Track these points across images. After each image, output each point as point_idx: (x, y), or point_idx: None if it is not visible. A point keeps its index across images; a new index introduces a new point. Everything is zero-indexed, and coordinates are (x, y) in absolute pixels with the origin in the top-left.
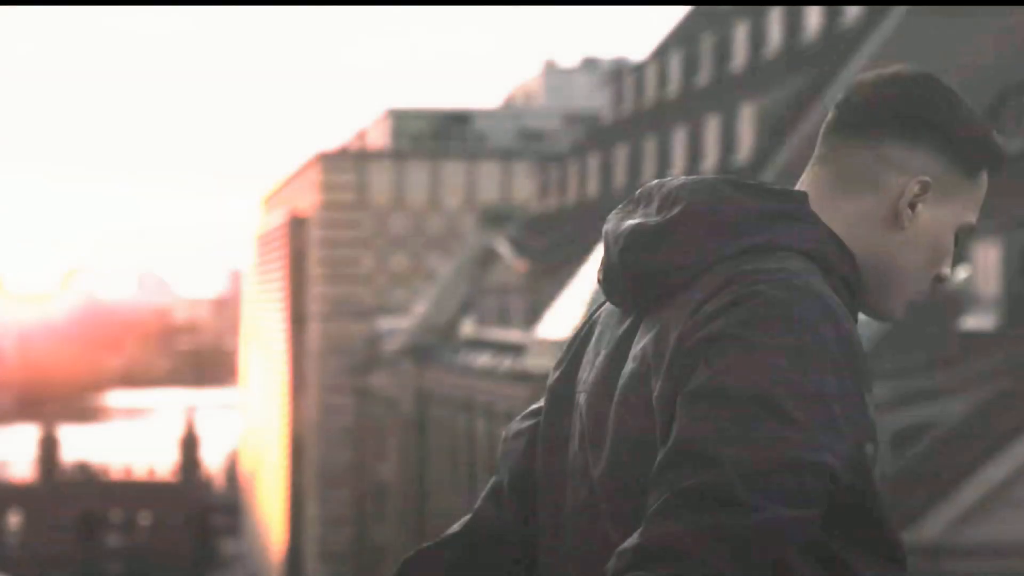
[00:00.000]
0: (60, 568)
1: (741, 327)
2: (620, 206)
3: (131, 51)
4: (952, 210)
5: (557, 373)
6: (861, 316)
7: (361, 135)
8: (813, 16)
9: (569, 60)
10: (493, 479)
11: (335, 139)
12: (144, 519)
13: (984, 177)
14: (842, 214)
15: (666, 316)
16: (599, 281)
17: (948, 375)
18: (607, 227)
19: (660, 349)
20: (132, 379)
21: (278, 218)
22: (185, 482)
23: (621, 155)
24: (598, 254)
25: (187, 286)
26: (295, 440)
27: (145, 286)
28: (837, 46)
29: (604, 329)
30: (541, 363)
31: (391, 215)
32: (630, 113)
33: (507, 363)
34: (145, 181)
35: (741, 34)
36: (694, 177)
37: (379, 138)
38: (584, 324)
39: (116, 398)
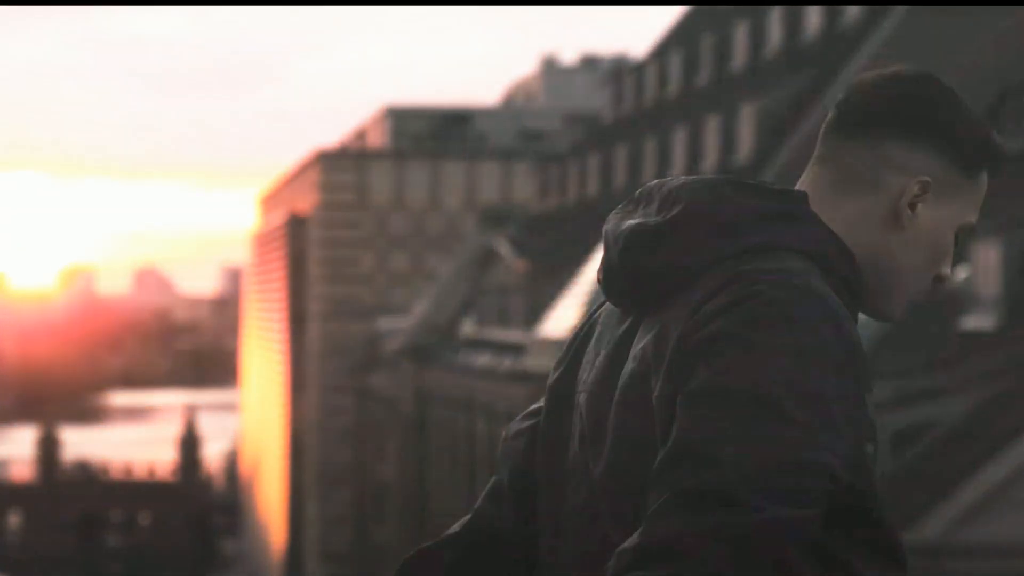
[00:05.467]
0: (60, 568)
1: (741, 327)
2: (620, 206)
3: (130, 51)
4: (952, 210)
5: (557, 373)
6: (861, 316)
7: (360, 134)
8: (813, 16)
9: (568, 59)
10: (493, 479)
11: (334, 138)
12: (144, 519)
13: (984, 177)
14: (842, 214)
15: (666, 316)
16: (599, 281)
17: (948, 375)
18: (607, 227)
19: (660, 349)
20: (132, 379)
21: (277, 218)
22: (185, 482)
23: (621, 155)
24: (598, 254)
25: (187, 286)
26: (295, 440)
27: (145, 285)
28: (837, 46)
29: (604, 329)
30: (541, 363)
31: (391, 215)
32: (630, 113)
33: (507, 363)
34: (145, 180)
35: (741, 34)
36: (694, 177)
37: (379, 138)
38: (584, 324)
39: (116, 398)
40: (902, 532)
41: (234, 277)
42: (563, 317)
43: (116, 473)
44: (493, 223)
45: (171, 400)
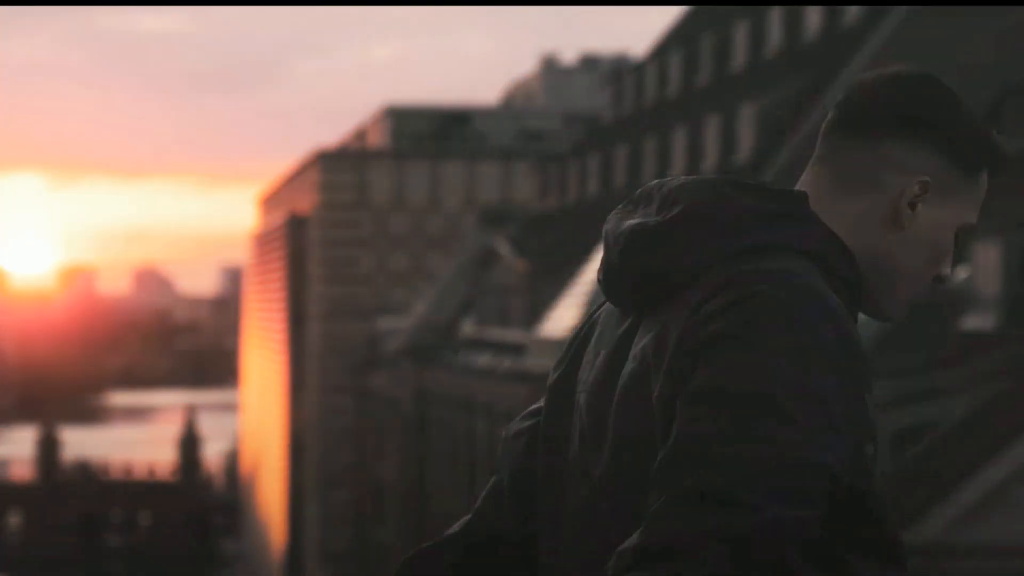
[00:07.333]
0: (60, 568)
1: (741, 327)
2: (620, 206)
3: (131, 51)
4: (952, 210)
5: (557, 373)
6: (861, 316)
7: (361, 135)
8: (813, 16)
9: (568, 59)
10: (493, 479)
11: (334, 138)
12: (144, 519)
13: (984, 177)
14: (842, 214)
15: (666, 316)
16: (599, 281)
17: (948, 375)
18: (607, 227)
19: (660, 349)
20: (132, 379)
21: (278, 218)
22: (185, 482)
23: (621, 155)
24: (598, 254)
25: (187, 286)
26: (295, 440)
27: (145, 286)
28: (837, 46)
29: (604, 329)
30: (541, 363)
31: (391, 215)
32: (630, 113)
33: (507, 363)
34: (145, 181)
35: (741, 34)
36: (694, 177)
37: (379, 138)
38: (584, 324)
39: (116, 398)
40: (902, 532)
41: (234, 277)
42: (563, 317)
43: (116, 473)
44: (493, 223)
45: (171, 400)
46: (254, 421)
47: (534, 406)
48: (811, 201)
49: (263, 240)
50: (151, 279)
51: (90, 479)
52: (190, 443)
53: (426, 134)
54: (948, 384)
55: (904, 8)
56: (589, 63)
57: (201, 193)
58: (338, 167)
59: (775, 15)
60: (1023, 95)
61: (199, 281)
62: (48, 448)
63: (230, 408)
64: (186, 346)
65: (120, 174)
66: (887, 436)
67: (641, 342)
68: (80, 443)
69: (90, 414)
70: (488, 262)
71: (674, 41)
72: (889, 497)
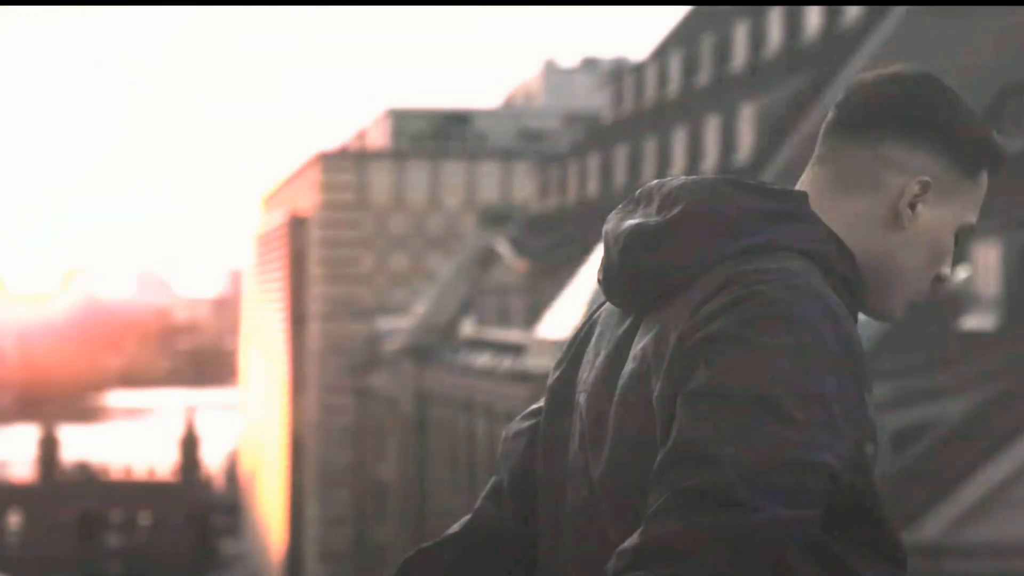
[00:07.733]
0: (60, 568)
1: (741, 327)
2: (620, 206)
3: (131, 50)
4: (952, 210)
5: (557, 373)
6: (861, 316)
7: (361, 135)
8: (813, 16)
9: (569, 60)
10: (493, 479)
11: (335, 139)
12: (144, 519)
13: (984, 177)
14: (842, 214)
15: (666, 316)
16: (599, 281)
17: (948, 375)
18: (607, 227)
19: (660, 349)
20: (132, 379)
21: (278, 218)
22: (185, 482)
23: (621, 155)
24: (598, 254)
25: (187, 286)
26: (295, 440)
27: (145, 286)
28: (837, 46)
29: (604, 329)
30: (541, 363)
31: (391, 215)
32: (630, 113)
33: (507, 363)
34: (145, 181)
35: (741, 34)
36: (694, 177)
37: (379, 138)
38: (584, 324)
39: (116, 398)
40: (902, 532)
41: (234, 277)
42: (563, 317)
43: (116, 473)
44: (493, 223)
45: (171, 400)
46: (254, 421)
47: (534, 406)
48: (811, 201)
49: (264, 240)
50: (151, 279)
51: (90, 479)
52: (190, 443)
53: (426, 134)
54: (948, 384)
55: (904, 8)
56: (589, 63)
57: (201, 193)
58: (339, 167)
59: (775, 15)
60: (1023, 95)
61: (199, 281)
62: (48, 448)
63: (230, 408)
64: (186, 346)
65: (120, 174)
66: (887, 436)
67: (641, 342)
68: (80, 443)
69: (90, 414)
70: (488, 262)
71: (674, 41)
72: (889, 497)
